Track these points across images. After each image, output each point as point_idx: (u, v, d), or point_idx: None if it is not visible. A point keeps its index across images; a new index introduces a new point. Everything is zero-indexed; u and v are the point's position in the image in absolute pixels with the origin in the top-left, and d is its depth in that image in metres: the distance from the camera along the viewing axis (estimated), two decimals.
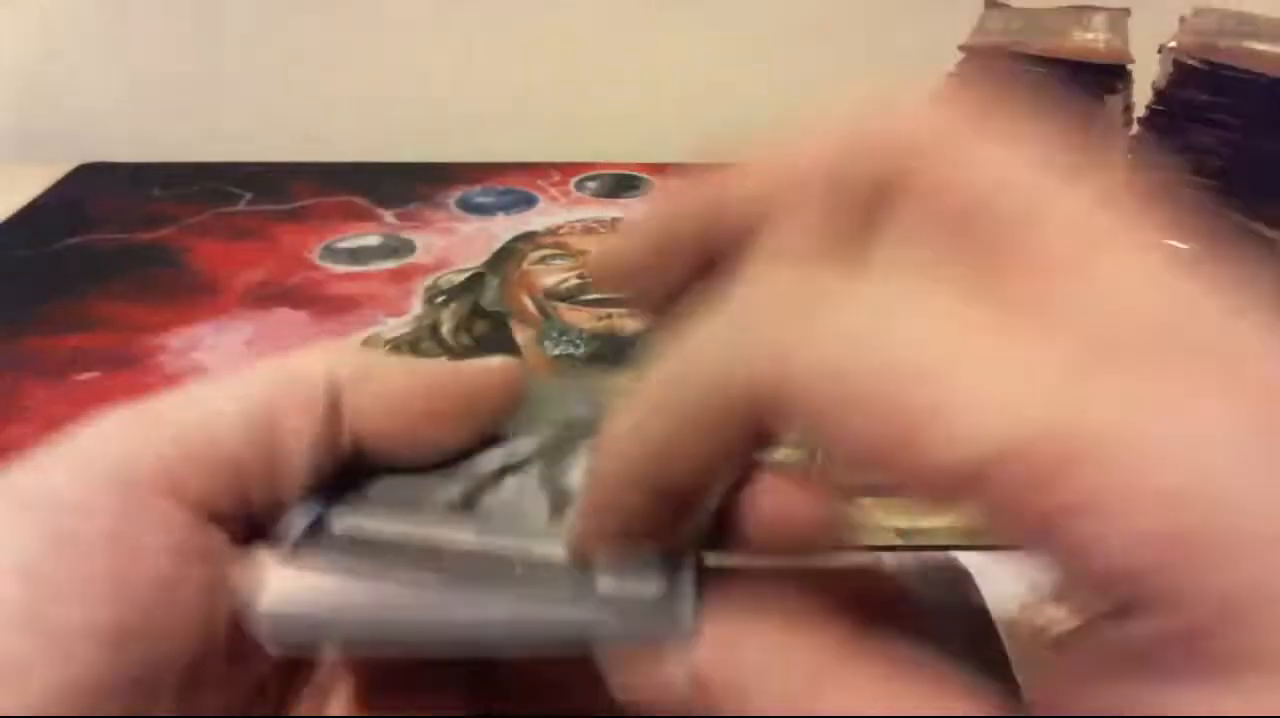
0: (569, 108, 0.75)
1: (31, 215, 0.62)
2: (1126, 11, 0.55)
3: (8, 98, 0.74)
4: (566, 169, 0.69)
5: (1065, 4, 0.57)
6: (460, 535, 0.18)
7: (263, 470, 0.17)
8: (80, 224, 0.60)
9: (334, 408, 0.18)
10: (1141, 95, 0.51)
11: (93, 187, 0.66)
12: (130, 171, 0.68)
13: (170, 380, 0.44)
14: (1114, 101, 0.52)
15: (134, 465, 0.16)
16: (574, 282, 0.53)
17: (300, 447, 0.17)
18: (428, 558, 0.17)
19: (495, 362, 0.20)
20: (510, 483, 0.19)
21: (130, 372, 0.45)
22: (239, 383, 0.18)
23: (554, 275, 0.53)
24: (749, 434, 0.14)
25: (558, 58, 0.74)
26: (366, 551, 0.17)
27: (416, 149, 0.72)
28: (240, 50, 0.74)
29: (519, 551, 0.18)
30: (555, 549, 0.18)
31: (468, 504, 0.19)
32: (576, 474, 0.19)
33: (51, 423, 0.41)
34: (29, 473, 0.16)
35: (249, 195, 0.64)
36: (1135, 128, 0.50)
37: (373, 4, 0.72)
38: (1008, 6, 0.57)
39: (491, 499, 0.19)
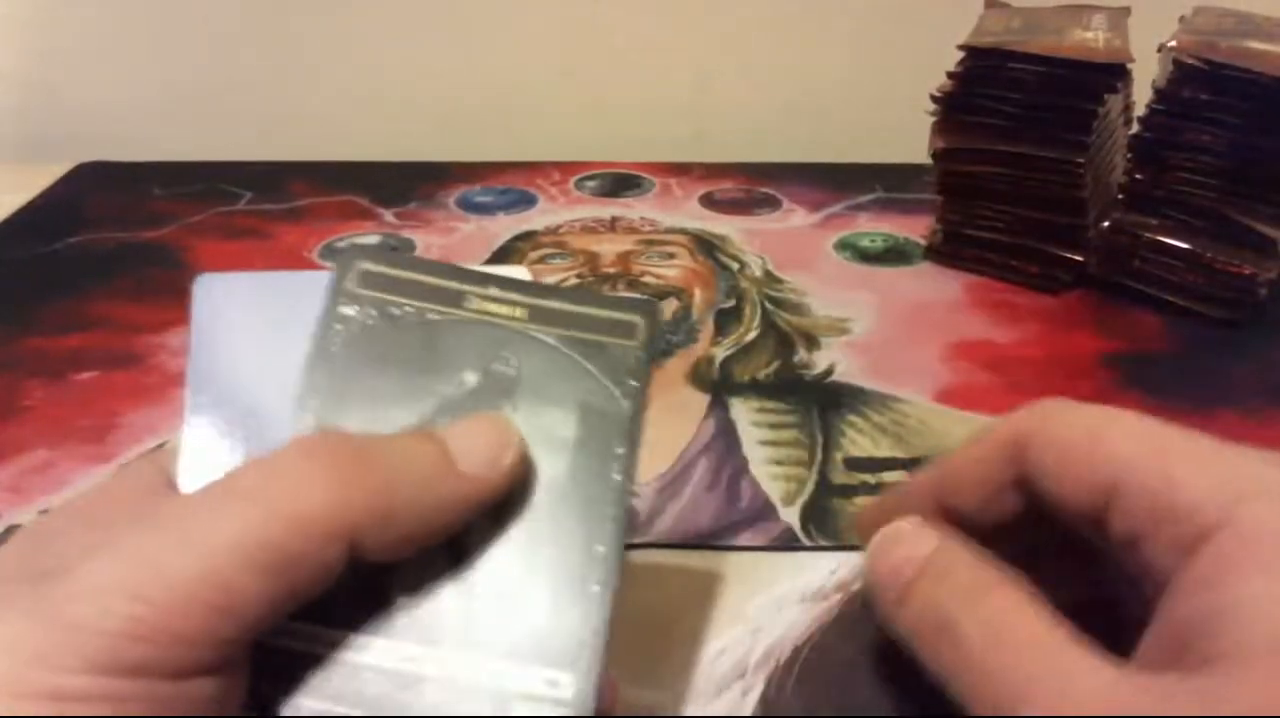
0: (569, 108, 0.75)
1: (31, 215, 0.62)
2: (1126, 11, 0.55)
3: (8, 98, 0.74)
4: (566, 169, 0.69)
5: (1065, 4, 0.57)
6: (380, 646, 0.19)
7: (274, 611, 0.18)
8: (80, 224, 0.60)
9: (352, 552, 0.18)
10: (1141, 95, 0.51)
11: (93, 187, 0.66)
12: (130, 171, 0.68)
13: (170, 380, 0.44)
14: (1114, 101, 0.52)
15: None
16: (574, 281, 0.53)
17: (309, 592, 0.18)
18: (348, 682, 0.19)
19: (498, 479, 0.21)
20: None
21: (130, 371, 0.45)
22: (247, 529, 0.17)
23: (554, 275, 0.53)
24: None
25: (558, 57, 0.74)
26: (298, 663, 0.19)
27: (416, 149, 0.72)
28: (240, 50, 0.74)
29: (437, 667, 0.19)
30: (472, 667, 0.19)
31: (383, 593, 0.20)
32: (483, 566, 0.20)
33: (51, 423, 0.41)
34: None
35: (249, 195, 0.64)
36: (1135, 128, 0.50)
37: (373, 4, 0.72)
38: (1008, 6, 0.57)
39: (404, 582, 0.20)
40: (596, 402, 0.22)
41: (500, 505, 0.21)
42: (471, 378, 0.22)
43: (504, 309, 0.22)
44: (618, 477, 0.21)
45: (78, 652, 0.16)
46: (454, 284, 0.22)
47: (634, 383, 0.22)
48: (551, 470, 0.21)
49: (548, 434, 0.21)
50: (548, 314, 0.22)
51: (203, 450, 0.21)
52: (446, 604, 0.20)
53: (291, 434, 0.21)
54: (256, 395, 0.22)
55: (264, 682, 0.19)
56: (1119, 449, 0.21)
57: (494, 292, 0.23)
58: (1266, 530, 0.18)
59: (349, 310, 0.22)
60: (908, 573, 0.22)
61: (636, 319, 0.23)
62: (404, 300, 0.22)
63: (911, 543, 0.23)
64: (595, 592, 0.20)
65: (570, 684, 0.19)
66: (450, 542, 0.20)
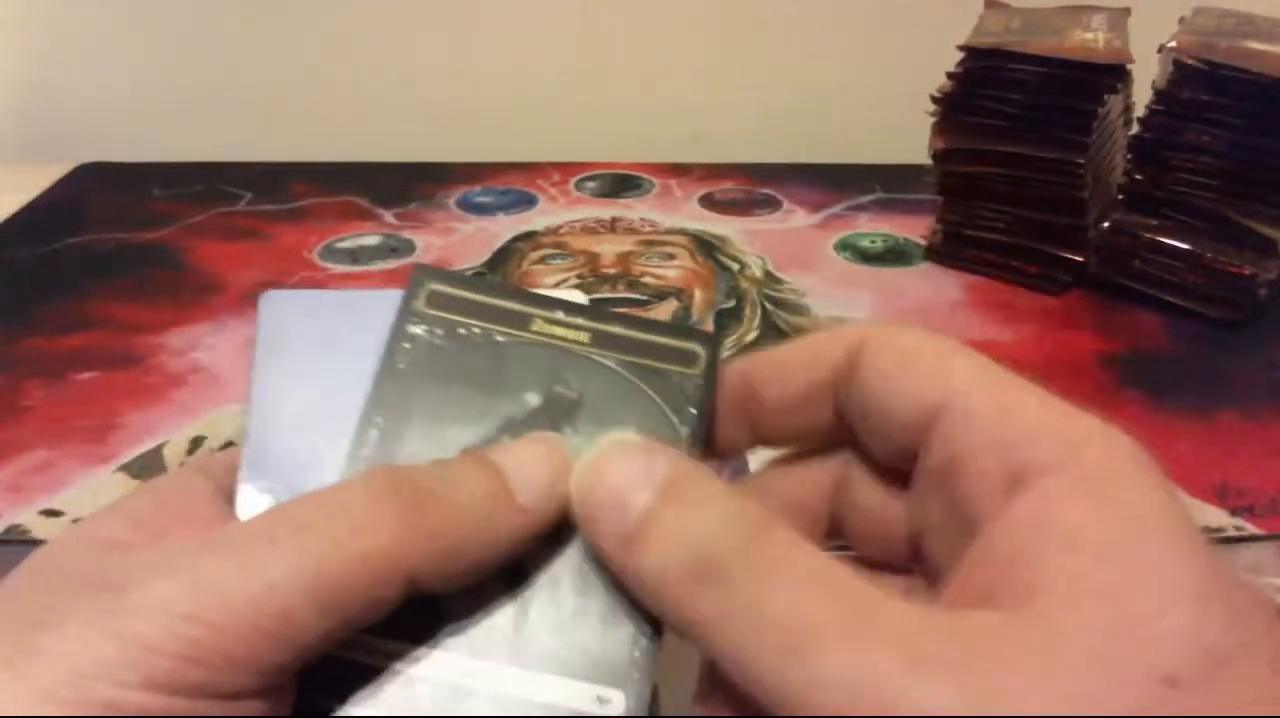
0: (569, 108, 0.75)
1: (31, 215, 0.62)
2: (1126, 11, 0.55)
3: (8, 98, 0.74)
4: (566, 169, 0.69)
5: (1065, 4, 0.57)
6: (433, 658, 0.19)
7: (328, 640, 0.18)
8: (80, 224, 0.60)
9: (409, 587, 0.18)
10: (1141, 95, 0.51)
11: (93, 187, 0.66)
12: (130, 171, 0.68)
13: (170, 380, 0.44)
14: (1114, 101, 0.52)
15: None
16: (574, 281, 0.53)
17: (364, 623, 0.18)
18: (399, 693, 0.19)
19: (555, 508, 0.20)
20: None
21: (130, 372, 0.45)
22: (311, 564, 0.17)
23: (554, 275, 0.53)
24: None
25: (558, 57, 0.74)
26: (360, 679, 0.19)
27: (416, 149, 0.72)
28: (240, 50, 0.74)
29: (489, 681, 0.19)
30: (523, 683, 0.19)
31: (437, 607, 0.20)
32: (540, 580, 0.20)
33: (51, 423, 0.41)
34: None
35: (249, 195, 0.65)
36: (1135, 128, 0.50)
37: (373, 4, 0.72)
38: (1008, 6, 0.57)
39: (459, 597, 0.20)
40: (655, 427, 0.22)
41: (558, 525, 0.21)
42: (534, 399, 0.22)
43: (568, 333, 0.23)
44: None
45: (138, 668, 0.16)
46: (520, 307, 0.23)
47: (692, 410, 0.22)
48: None
49: None
50: (611, 339, 0.23)
51: (264, 468, 0.21)
52: (500, 620, 0.20)
53: (355, 450, 0.21)
54: (319, 412, 0.22)
55: (315, 692, 0.19)
56: (957, 368, 0.19)
57: (559, 315, 0.23)
58: (1109, 470, 0.16)
59: (417, 329, 0.22)
60: (642, 500, 0.18)
61: (697, 348, 0.23)
62: (471, 321, 0.23)
63: (641, 460, 0.19)
64: (647, 611, 0.20)
65: (620, 702, 0.19)
66: None
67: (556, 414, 0.22)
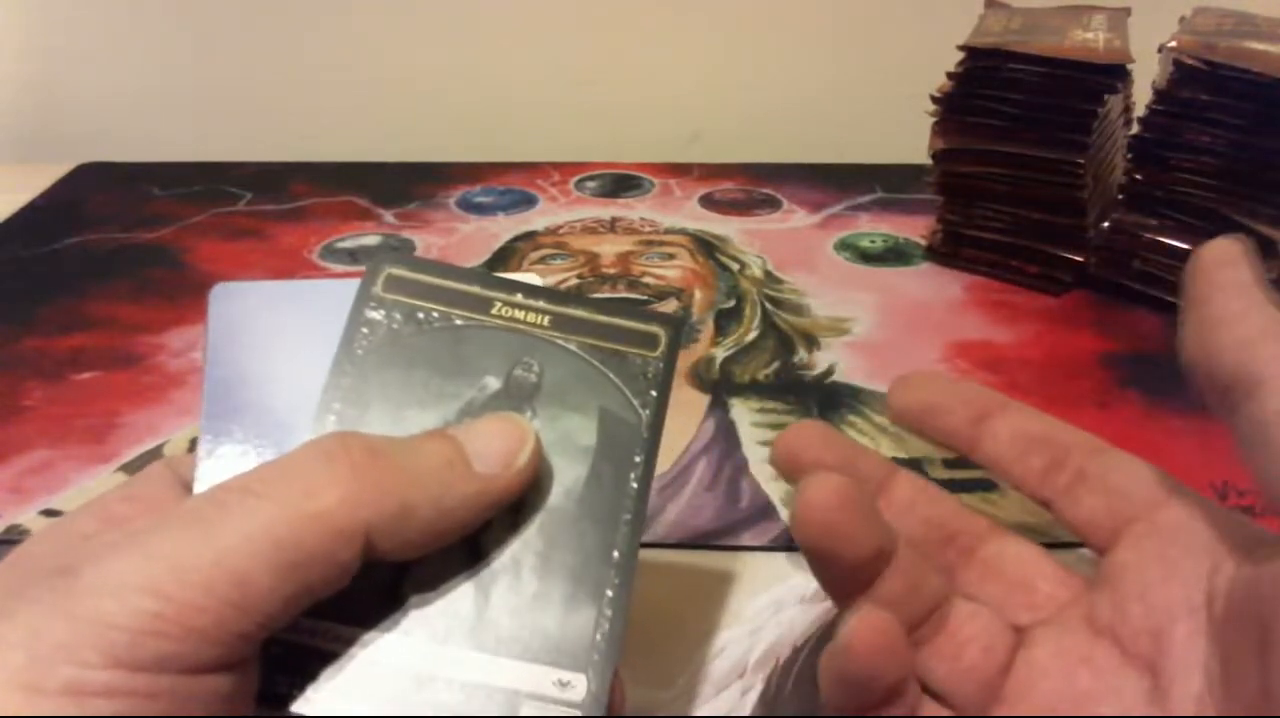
0: (569, 108, 0.75)
1: (31, 215, 0.62)
2: (1126, 11, 0.55)
3: (8, 98, 0.74)
4: (566, 169, 0.69)
5: (1065, 4, 0.57)
6: (394, 644, 0.19)
7: (289, 608, 0.18)
8: (80, 224, 0.60)
9: (366, 550, 0.18)
10: (1141, 95, 0.51)
11: (93, 186, 0.66)
12: (130, 171, 0.68)
13: (170, 380, 0.44)
14: (1114, 102, 0.52)
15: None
16: (574, 281, 0.53)
17: (324, 590, 0.18)
18: (361, 679, 0.19)
19: (513, 478, 0.20)
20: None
21: (130, 371, 0.45)
22: (263, 526, 0.17)
23: (554, 275, 0.53)
24: None
25: (558, 57, 0.74)
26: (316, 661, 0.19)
27: (416, 149, 0.72)
28: (240, 50, 0.74)
29: (450, 666, 0.19)
30: (484, 668, 0.19)
31: (398, 592, 0.20)
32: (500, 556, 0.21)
33: (51, 423, 0.41)
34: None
35: (249, 195, 0.65)
36: (1135, 128, 0.50)
37: (373, 4, 0.72)
38: (1008, 6, 0.57)
39: (419, 581, 0.20)
40: (616, 410, 0.22)
41: (518, 508, 0.21)
42: (494, 383, 0.22)
43: (529, 316, 0.23)
44: (635, 485, 0.22)
45: (99, 646, 0.16)
46: (480, 290, 0.23)
47: (653, 393, 0.22)
48: (570, 476, 0.21)
49: (567, 440, 0.22)
50: (571, 322, 0.23)
51: (219, 458, 0.21)
52: (461, 604, 0.20)
53: (311, 436, 0.21)
54: (273, 403, 0.22)
55: (278, 677, 0.19)
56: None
57: (519, 298, 0.23)
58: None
59: (375, 315, 0.22)
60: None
61: (658, 331, 0.23)
62: (430, 305, 0.22)
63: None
64: (609, 596, 0.20)
65: (582, 686, 0.19)
66: (467, 543, 0.20)
67: (517, 398, 0.22)
